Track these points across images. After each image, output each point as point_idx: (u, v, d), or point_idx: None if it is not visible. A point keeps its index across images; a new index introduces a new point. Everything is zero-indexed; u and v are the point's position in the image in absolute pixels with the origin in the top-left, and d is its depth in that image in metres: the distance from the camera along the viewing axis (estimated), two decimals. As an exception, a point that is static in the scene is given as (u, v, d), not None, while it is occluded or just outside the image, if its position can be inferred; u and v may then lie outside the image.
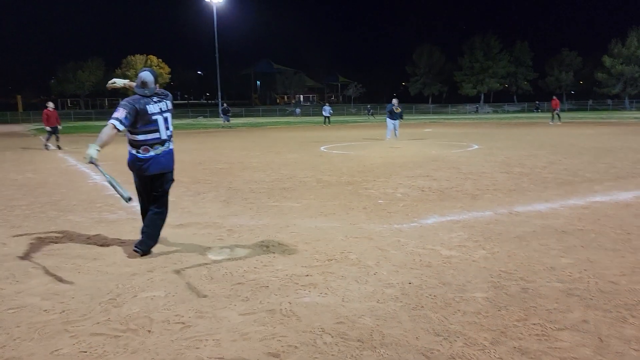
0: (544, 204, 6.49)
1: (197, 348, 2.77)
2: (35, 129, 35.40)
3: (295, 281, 3.80)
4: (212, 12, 59.31)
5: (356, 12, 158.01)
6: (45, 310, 3.32)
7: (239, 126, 36.47)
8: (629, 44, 68.07)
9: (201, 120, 53.91)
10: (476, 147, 15.36)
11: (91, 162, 4.08)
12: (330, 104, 49.55)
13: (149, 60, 77.25)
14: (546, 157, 11.93)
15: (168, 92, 4.62)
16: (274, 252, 4.57)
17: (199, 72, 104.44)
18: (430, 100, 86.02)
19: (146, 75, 4.38)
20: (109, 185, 4.21)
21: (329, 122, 37.20)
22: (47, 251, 4.75)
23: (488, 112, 66.87)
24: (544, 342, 2.77)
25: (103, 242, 5.06)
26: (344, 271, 4.00)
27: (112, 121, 4.16)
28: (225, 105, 37.25)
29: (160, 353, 2.73)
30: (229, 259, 4.38)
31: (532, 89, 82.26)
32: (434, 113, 68.35)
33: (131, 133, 4.34)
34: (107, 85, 4.93)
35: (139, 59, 76.71)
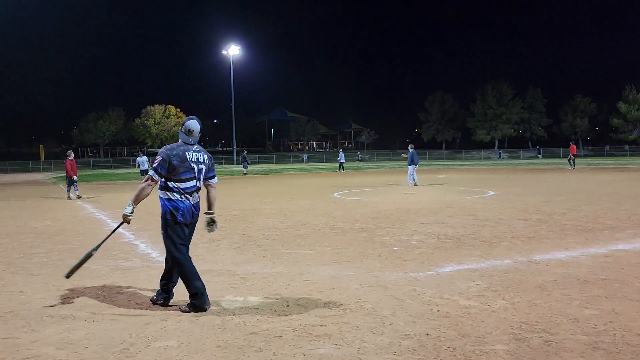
0: (564, 252, 6.36)
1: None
2: (55, 177, 36.14)
3: (309, 331, 3.72)
4: (229, 63, 61.15)
5: (368, 59, 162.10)
6: (58, 361, 3.28)
7: (253, 173, 36.81)
8: (643, 90, 68.34)
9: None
10: (492, 193, 15.24)
11: (126, 221, 4.24)
12: (344, 150, 50.18)
13: (167, 109, 79.23)
14: (565, 203, 11.78)
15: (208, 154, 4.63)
16: (287, 301, 4.51)
17: (215, 121, 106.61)
18: (443, 146, 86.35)
19: (193, 124, 4.41)
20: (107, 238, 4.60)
21: (344, 169, 37.42)
22: (63, 299, 4.75)
23: (503, 158, 66.70)
24: (570, 398, 2.65)
25: (118, 290, 5.05)
26: (359, 321, 3.92)
27: (150, 172, 4.31)
28: (244, 153, 37.90)
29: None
30: (242, 308, 4.33)
31: (547, 135, 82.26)
32: (448, 159, 68.45)
33: (168, 180, 4.30)
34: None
35: (157, 108, 78.72)
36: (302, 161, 66.08)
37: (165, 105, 79.48)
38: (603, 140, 76.87)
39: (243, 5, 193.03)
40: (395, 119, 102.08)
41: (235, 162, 60.36)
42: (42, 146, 79.60)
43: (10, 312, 4.40)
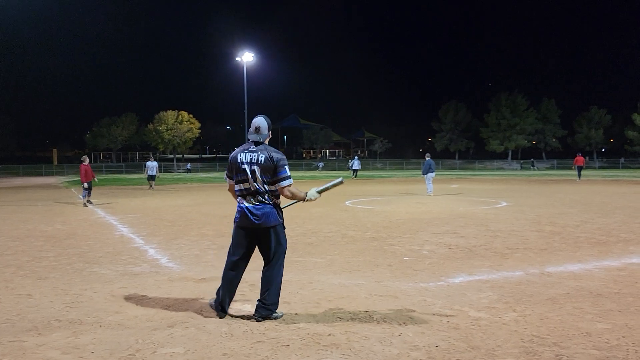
0: (577, 264, 6.25)
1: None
2: (67, 182, 36.52)
3: (317, 340, 3.68)
4: (242, 70, 61.54)
5: (382, 68, 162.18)
6: (64, 365, 3.28)
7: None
8: (659, 103, 67.49)
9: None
10: (505, 203, 15.09)
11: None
12: (359, 158, 50.54)
13: (180, 115, 79.83)
14: (578, 215, 11.62)
15: (281, 154, 4.33)
16: (295, 309, 4.47)
17: (227, 127, 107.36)
18: (457, 156, 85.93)
19: (260, 121, 4.33)
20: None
21: (357, 176, 37.59)
22: (71, 303, 4.76)
23: (516, 169, 66.12)
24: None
25: (126, 294, 5.05)
26: (367, 331, 3.87)
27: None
28: None
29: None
30: (249, 315, 4.30)
31: (562, 146, 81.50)
32: (461, 169, 68.04)
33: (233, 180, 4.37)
34: None
35: (170, 114, 79.32)
36: (316, 168, 66.11)
37: (178, 111, 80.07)
38: (618, 152, 75.89)
39: (257, 12, 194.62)
40: (409, 128, 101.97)
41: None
42: (55, 150, 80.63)
43: (18, 315, 4.41)
